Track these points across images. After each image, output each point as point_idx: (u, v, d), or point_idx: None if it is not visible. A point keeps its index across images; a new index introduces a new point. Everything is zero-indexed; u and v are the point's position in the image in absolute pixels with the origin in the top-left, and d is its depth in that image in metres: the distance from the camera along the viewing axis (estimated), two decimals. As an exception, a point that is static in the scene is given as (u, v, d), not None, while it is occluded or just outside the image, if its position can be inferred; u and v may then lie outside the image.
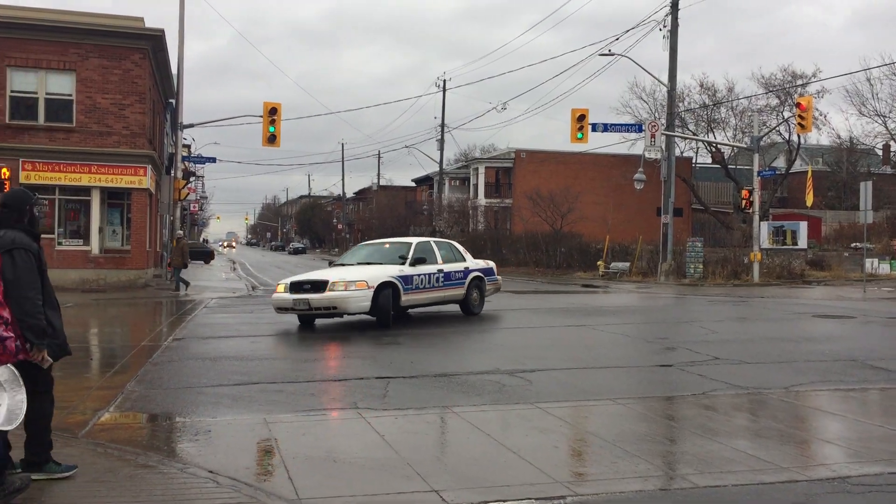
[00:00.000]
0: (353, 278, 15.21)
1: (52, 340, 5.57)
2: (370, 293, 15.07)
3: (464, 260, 18.42)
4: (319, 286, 15.22)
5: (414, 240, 17.86)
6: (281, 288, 15.94)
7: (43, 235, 6.84)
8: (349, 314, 15.54)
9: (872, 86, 49.83)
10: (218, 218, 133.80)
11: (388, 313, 15.41)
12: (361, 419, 8.01)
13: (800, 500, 5.53)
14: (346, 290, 14.97)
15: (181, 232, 29.63)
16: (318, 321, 16.41)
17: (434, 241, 18.60)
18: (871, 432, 7.42)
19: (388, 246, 18.12)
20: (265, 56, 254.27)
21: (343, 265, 17.27)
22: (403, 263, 16.42)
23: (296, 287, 15.55)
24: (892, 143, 56.84)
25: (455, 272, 17.62)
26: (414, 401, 8.78)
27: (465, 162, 73.21)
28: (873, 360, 11.52)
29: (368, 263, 16.83)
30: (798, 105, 30.70)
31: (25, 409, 5.25)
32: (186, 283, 26.96)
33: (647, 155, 32.62)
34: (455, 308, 18.54)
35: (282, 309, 15.80)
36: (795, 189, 61.82)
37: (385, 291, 15.33)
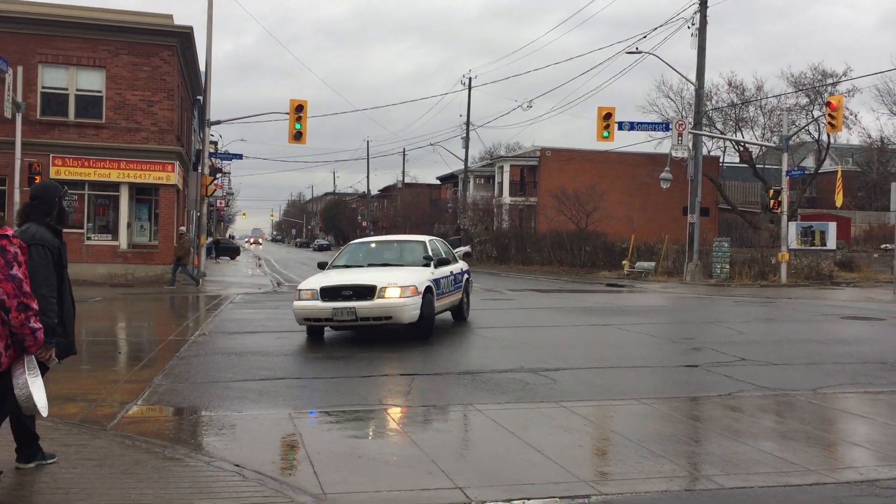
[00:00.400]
0: (404, 283, 12.92)
1: (60, 339, 5.54)
2: (419, 300, 12.92)
3: (457, 261, 16.61)
4: (365, 292, 12.75)
5: (426, 238, 16.29)
6: (308, 294, 13.11)
7: (72, 230, 6.96)
8: (399, 324, 13.17)
9: (903, 85, 49.13)
10: (244, 214, 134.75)
11: (433, 321, 13.64)
12: (386, 415, 8.05)
13: None
14: (401, 297, 12.69)
15: (183, 228, 29.85)
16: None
17: (438, 241, 16.95)
18: (901, 436, 7.33)
19: (396, 245, 15.99)
20: (293, 54, 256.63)
21: (346, 267, 14.78)
22: (428, 265, 14.41)
23: (332, 293, 12.89)
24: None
25: (458, 274, 15.78)
26: (438, 398, 8.80)
27: (490, 160, 73.16)
28: (903, 363, 11.37)
29: (385, 265, 14.54)
30: (828, 104, 30.28)
31: (43, 391, 5.34)
32: (173, 281, 26.80)
33: (673, 154, 32.40)
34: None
35: (314, 320, 13.15)
36: (825, 189, 60.98)
37: (427, 297, 13.28)
